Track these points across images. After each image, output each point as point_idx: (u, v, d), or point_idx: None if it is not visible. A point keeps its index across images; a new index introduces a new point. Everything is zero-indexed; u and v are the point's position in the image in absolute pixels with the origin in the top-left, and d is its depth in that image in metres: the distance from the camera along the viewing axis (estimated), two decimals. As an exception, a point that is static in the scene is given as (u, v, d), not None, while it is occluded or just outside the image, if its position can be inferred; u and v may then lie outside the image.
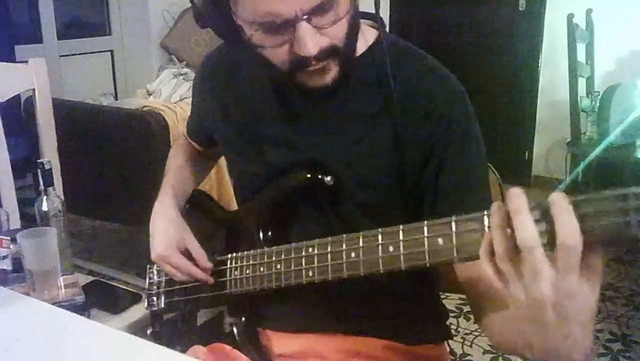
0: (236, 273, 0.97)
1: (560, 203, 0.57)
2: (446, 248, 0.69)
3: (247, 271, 0.95)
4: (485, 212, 0.65)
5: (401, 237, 0.73)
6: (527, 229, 0.57)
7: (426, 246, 0.71)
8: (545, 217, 0.58)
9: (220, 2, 0.82)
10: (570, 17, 2.75)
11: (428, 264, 0.71)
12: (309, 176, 0.94)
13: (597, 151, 2.72)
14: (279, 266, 0.89)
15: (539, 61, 3.78)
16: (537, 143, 3.90)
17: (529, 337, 0.63)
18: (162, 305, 1.12)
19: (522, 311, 0.61)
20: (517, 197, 0.59)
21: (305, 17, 0.78)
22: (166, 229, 1.02)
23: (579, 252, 0.56)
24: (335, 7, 0.81)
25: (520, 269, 0.58)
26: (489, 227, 0.63)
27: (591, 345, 0.61)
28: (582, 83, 2.97)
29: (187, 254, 1.01)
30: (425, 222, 0.71)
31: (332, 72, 0.86)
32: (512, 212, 0.58)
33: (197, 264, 1.00)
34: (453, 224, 0.68)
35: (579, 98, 2.85)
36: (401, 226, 0.74)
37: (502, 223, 0.60)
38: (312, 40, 0.80)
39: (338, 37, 0.84)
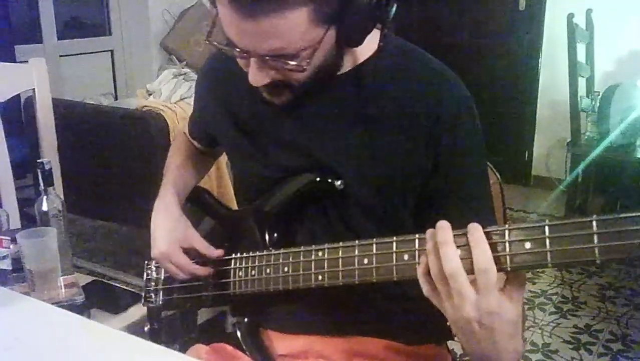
0: (240, 273, 0.97)
1: (474, 234, 0.66)
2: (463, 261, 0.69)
3: (253, 273, 0.95)
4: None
5: (417, 246, 0.73)
6: (450, 260, 0.66)
7: None
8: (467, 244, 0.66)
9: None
10: (570, 17, 2.75)
11: None
12: (318, 179, 0.94)
13: (597, 151, 2.72)
14: (286, 269, 0.89)
15: (539, 61, 3.77)
16: (537, 143, 3.89)
17: (464, 345, 0.72)
18: (160, 302, 1.11)
19: (455, 326, 0.70)
20: (443, 230, 0.67)
21: (258, 56, 0.81)
22: (168, 227, 1.01)
23: (493, 275, 0.64)
24: (298, 59, 0.80)
25: (450, 291, 0.67)
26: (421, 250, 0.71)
27: (522, 348, 0.70)
28: (582, 83, 2.97)
29: (189, 253, 1.01)
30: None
31: (284, 97, 0.89)
32: (439, 244, 0.67)
33: (198, 262, 1.00)
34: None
35: (579, 98, 2.85)
36: (417, 235, 0.74)
37: (434, 249, 0.68)
38: (257, 75, 0.83)
39: (294, 78, 0.85)
